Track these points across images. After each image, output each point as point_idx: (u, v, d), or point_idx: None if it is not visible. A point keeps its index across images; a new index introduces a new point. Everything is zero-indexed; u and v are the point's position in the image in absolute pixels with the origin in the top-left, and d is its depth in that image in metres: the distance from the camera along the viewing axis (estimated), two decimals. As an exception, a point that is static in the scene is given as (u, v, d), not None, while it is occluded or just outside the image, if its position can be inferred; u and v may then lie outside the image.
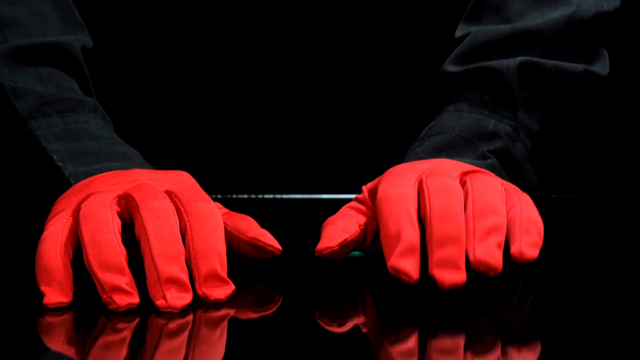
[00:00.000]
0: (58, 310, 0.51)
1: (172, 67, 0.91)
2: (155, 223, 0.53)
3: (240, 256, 0.60)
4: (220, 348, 0.46)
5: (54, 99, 0.65)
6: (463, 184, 0.58)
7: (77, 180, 0.60)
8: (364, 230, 0.61)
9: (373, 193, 0.61)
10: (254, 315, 0.51)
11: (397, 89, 0.92)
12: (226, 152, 0.93)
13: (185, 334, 0.48)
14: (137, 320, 0.49)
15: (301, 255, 0.64)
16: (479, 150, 0.65)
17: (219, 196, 0.93)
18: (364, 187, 0.63)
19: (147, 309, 0.51)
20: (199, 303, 0.52)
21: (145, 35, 0.90)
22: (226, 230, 0.59)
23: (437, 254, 0.53)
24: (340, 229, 0.60)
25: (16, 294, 0.56)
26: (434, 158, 0.64)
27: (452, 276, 0.52)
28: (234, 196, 0.94)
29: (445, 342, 0.46)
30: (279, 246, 0.59)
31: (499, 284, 0.58)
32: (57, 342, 0.47)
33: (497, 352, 0.45)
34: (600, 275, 0.62)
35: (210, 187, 0.91)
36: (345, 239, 0.59)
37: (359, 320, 0.51)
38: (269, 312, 0.52)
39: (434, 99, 0.72)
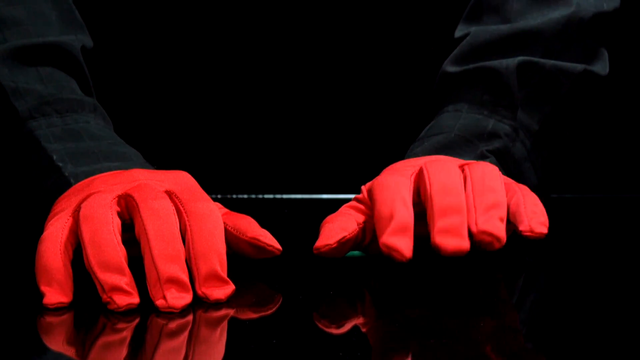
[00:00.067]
0: (58, 310, 0.51)
1: (172, 67, 0.91)
2: (155, 223, 0.53)
3: (240, 256, 0.60)
4: (220, 348, 0.46)
5: (54, 99, 0.65)
6: (462, 171, 0.58)
7: (77, 180, 0.60)
8: (363, 229, 0.61)
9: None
10: (254, 315, 0.51)
11: (397, 89, 0.92)
12: (226, 152, 0.93)
13: (185, 334, 0.48)
14: (137, 320, 0.49)
15: (301, 255, 0.64)
16: (479, 150, 0.65)
17: (219, 196, 0.93)
18: (363, 187, 0.63)
19: (147, 309, 0.51)
20: (199, 303, 0.52)
21: (145, 35, 0.90)
22: (226, 230, 0.59)
23: (439, 224, 0.53)
24: (339, 227, 0.60)
25: (16, 294, 0.56)
26: (433, 157, 0.64)
27: (454, 242, 0.52)
28: (234, 196, 0.94)
29: (445, 342, 0.46)
30: (279, 246, 0.59)
31: (498, 284, 0.58)
32: (57, 342, 0.47)
33: (498, 353, 0.45)
34: (600, 275, 0.62)
35: (210, 187, 0.92)
36: (344, 237, 0.59)
37: (358, 320, 0.51)
38: (269, 312, 0.52)
39: (433, 99, 0.72)
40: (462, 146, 0.65)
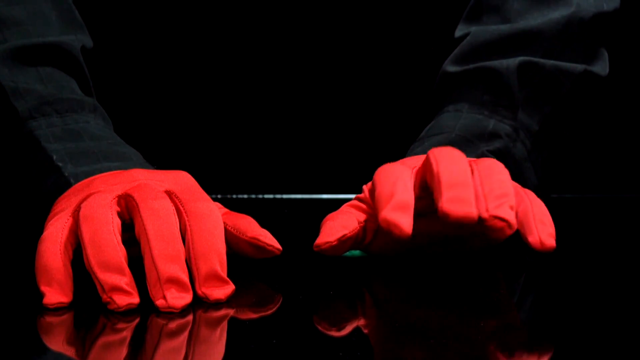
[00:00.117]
0: (58, 310, 0.51)
1: (172, 67, 0.91)
2: (155, 223, 0.53)
3: (240, 256, 0.60)
4: (220, 348, 0.46)
5: (54, 99, 0.65)
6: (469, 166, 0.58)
7: (77, 180, 0.60)
8: (364, 228, 0.61)
9: (374, 192, 0.61)
10: (254, 315, 0.51)
11: (397, 89, 0.92)
12: (226, 152, 0.93)
13: (185, 334, 0.48)
14: (137, 320, 0.49)
15: (301, 255, 0.64)
16: (479, 150, 0.65)
17: (219, 196, 0.93)
18: (364, 187, 0.63)
19: (147, 309, 0.51)
20: (199, 303, 0.52)
21: (145, 35, 0.90)
22: (226, 230, 0.59)
23: (446, 194, 0.52)
24: (340, 225, 0.60)
25: (16, 294, 0.56)
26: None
27: (463, 209, 0.51)
28: (234, 196, 0.94)
29: (445, 342, 0.46)
30: (279, 246, 0.59)
31: (499, 284, 0.58)
32: (57, 342, 0.47)
33: (498, 353, 0.45)
34: (600, 275, 0.62)
35: (210, 187, 0.92)
36: (344, 235, 0.60)
37: (358, 320, 0.51)
38: (269, 312, 0.52)
39: (433, 99, 0.72)
40: (462, 146, 0.65)
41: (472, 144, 0.65)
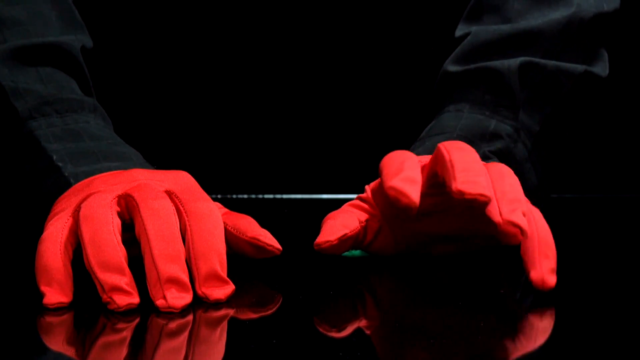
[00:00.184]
0: (58, 310, 0.51)
1: (172, 67, 0.91)
2: (156, 223, 0.53)
3: (240, 256, 0.60)
4: (220, 348, 0.46)
5: (54, 99, 0.65)
6: None
7: (77, 180, 0.60)
8: (365, 228, 0.61)
9: (376, 192, 0.61)
10: (254, 315, 0.51)
11: (397, 88, 0.92)
12: (226, 152, 0.93)
13: (185, 334, 0.48)
14: (137, 320, 0.49)
15: (301, 255, 0.64)
16: (481, 150, 0.65)
17: (219, 196, 0.93)
18: (367, 187, 0.63)
19: (147, 309, 0.51)
20: (199, 303, 0.52)
21: (145, 35, 0.90)
22: (226, 230, 0.59)
23: (459, 176, 0.51)
24: (341, 224, 0.60)
25: (16, 294, 0.56)
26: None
27: (477, 188, 0.51)
28: (234, 196, 0.94)
29: (445, 342, 0.46)
30: (279, 246, 0.59)
31: (499, 284, 0.58)
32: (57, 342, 0.47)
33: (498, 353, 0.45)
34: (600, 275, 0.62)
35: (210, 187, 0.92)
36: (345, 234, 0.60)
37: (359, 320, 0.51)
38: (269, 312, 0.52)
39: (434, 99, 0.72)
40: (463, 146, 0.65)
41: (473, 145, 0.65)
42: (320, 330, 0.49)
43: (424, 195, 0.57)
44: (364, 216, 0.62)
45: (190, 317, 0.50)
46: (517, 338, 0.48)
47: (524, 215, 0.52)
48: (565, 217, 0.86)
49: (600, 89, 0.72)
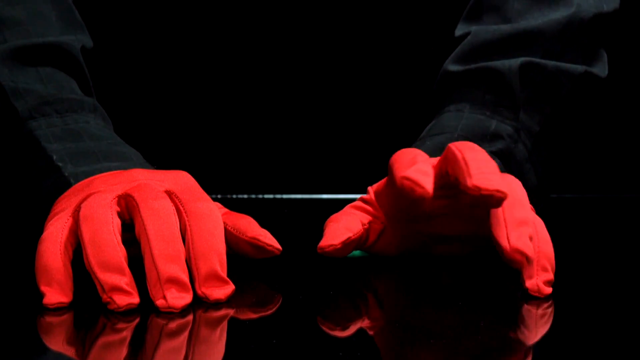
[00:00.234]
0: (58, 310, 0.51)
1: (172, 67, 0.91)
2: (156, 223, 0.53)
3: (240, 256, 0.60)
4: (220, 348, 0.46)
5: (54, 99, 0.65)
6: None
7: (77, 180, 0.60)
8: (367, 230, 0.61)
9: (380, 194, 0.61)
10: (254, 315, 0.51)
11: (397, 88, 0.92)
12: (226, 152, 0.93)
13: (185, 334, 0.48)
14: (137, 320, 0.49)
15: (301, 255, 0.64)
16: (481, 151, 0.65)
17: (219, 196, 0.93)
18: (369, 188, 0.63)
19: (147, 309, 0.51)
20: (199, 303, 0.52)
21: (145, 35, 0.90)
22: (226, 230, 0.59)
23: (475, 172, 0.51)
24: (344, 227, 0.60)
25: (16, 294, 0.56)
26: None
27: (492, 184, 0.50)
28: (234, 196, 0.94)
29: (445, 342, 0.46)
30: (278, 246, 0.59)
31: (500, 284, 0.58)
32: (57, 342, 0.47)
33: (498, 353, 0.45)
34: (600, 275, 0.62)
35: (210, 187, 0.92)
36: (348, 238, 0.60)
37: (359, 320, 0.51)
38: (269, 312, 0.52)
39: (434, 98, 0.72)
40: (464, 147, 0.65)
41: (473, 145, 0.65)
42: (321, 330, 0.49)
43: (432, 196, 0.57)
44: (366, 218, 0.62)
45: (190, 317, 0.50)
46: (517, 338, 0.48)
47: (531, 239, 0.52)
48: (565, 217, 0.86)
49: (599, 90, 0.72)
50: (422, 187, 0.51)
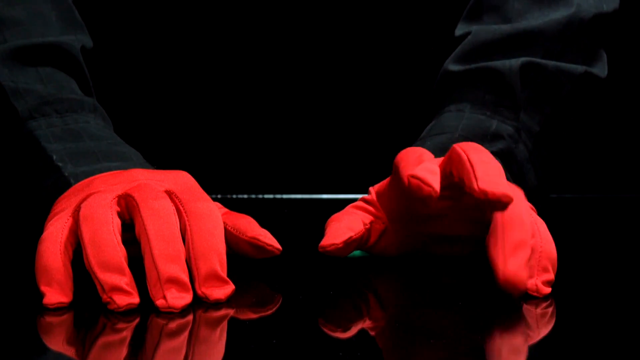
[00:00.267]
0: (58, 310, 0.51)
1: (172, 67, 0.91)
2: (156, 223, 0.53)
3: (240, 256, 0.60)
4: (220, 348, 0.46)
5: (54, 99, 0.65)
6: None
7: (77, 180, 0.60)
8: (369, 230, 0.61)
9: (382, 194, 0.61)
10: (254, 315, 0.51)
11: (397, 88, 0.92)
12: (226, 152, 0.93)
13: (185, 334, 0.48)
14: (137, 320, 0.49)
15: (301, 255, 0.64)
16: (482, 151, 0.65)
17: (219, 196, 0.93)
18: (371, 188, 0.63)
19: (147, 309, 0.51)
20: (199, 303, 0.52)
21: (145, 35, 0.90)
22: (226, 230, 0.59)
23: (482, 176, 0.51)
24: (346, 226, 0.60)
25: (16, 294, 0.56)
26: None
27: (499, 188, 0.50)
28: (234, 196, 0.94)
29: (445, 342, 0.46)
30: (278, 246, 0.59)
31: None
32: (57, 342, 0.47)
33: (498, 353, 0.45)
34: (600, 275, 0.62)
35: (210, 187, 0.92)
36: (350, 237, 0.60)
37: (359, 320, 0.51)
38: (269, 312, 0.52)
39: (434, 98, 0.72)
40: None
41: (474, 145, 0.65)
42: (321, 330, 0.49)
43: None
44: (368, 218, 0.62)
45: (190, 317, 0.50)
46: (517, 338, 0.48)
47: (527, 262, 0.51)
48: (565, 217, 0.86)
49: (599, 90, 0.72)
50: (430, 186, 0.51)
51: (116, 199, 0.54)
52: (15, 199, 0.66)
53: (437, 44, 0.89)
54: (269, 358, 0.44)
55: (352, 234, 0.60)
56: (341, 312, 0.53)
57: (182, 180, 0.58)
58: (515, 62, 0.68)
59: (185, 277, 0.51)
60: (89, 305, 0.52)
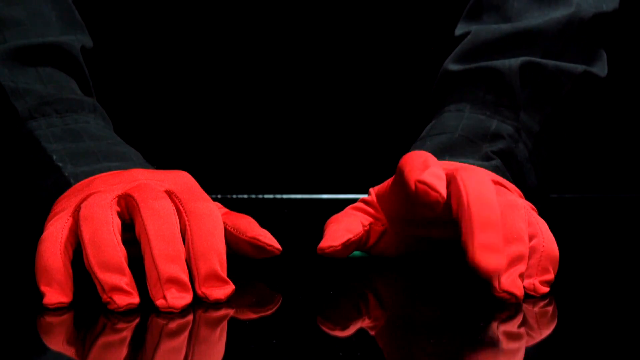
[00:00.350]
0: (58, 310, 0.51)
1: (172, 67, 0.91)
2: (156, 223, 0.52)
3: (240, 256, 0.60)
4: (220, 348, 0.46)
5: (54, 99, 0.65)
6: None
7: (77, 180, 0.60)
8: (368, 232, 0.61)
9: (382, 196, 0.61)
10: (254, 315, 0.51)
11: (397, 88, 0.92)
12: (226, 152, 0.93)
13: (185, 334, 0.48)
14: (137, 320, 0.49)
15: (301, 255, 0.64)
16: (482, 151, 0.65)
17: (219, 196, 0.93)
18: (371, 190, 0.63)
19: (147, 309, 0.51)
20: (199, 303, 0.52)
21: (145, 35, 0.90)
22: (226, 230, 0.59)
23: (479, 238, 0.49)
24: (344, 228, 0.60)
25: (16, 294, 0.56)
26: (438, 159, 0.64)
27: (496, 260, 0.49)
28: (234, 196, 0.94)
29: (445, 342, 0.46)
30: (278, 246, 0.59)
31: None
32: (57, 342, 0.47)
33: (498, 353, 0.45)
34: (600, 275, 0.62)
35: (210, 187, 0.92)
36: (349, 239, 0.59)
37: (359, 320, 0.51)
38: (269, 312, 0.52)
39: (433, 98, 0.72)
40: (465, 147, 0.65)
41: (475, 145, 0.65)
42: (320, 330, 0.49)
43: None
44: (367, 220, 0.61)
45: (190, 317, 0.50)
46: (517, 338, 0.48)
47: (522, 277, 0.52)
48: (565, 217, 0.86)
49: (599, 89, 0.72)
50: (438, 191, 0.51)
51: (116, 199, 0.54)
52: (15, 199, 0.66)
53: (437, 44, 0.89)
54: (269, 358, 0.44)
55: (350, 235, 0.60)
56: (341, 312, 0.53)
57: (182, 180, 0.58)
58: (515, 62, 0.68)
59: (185, 277, 0.51)
60: (89, 305, 0.52)
